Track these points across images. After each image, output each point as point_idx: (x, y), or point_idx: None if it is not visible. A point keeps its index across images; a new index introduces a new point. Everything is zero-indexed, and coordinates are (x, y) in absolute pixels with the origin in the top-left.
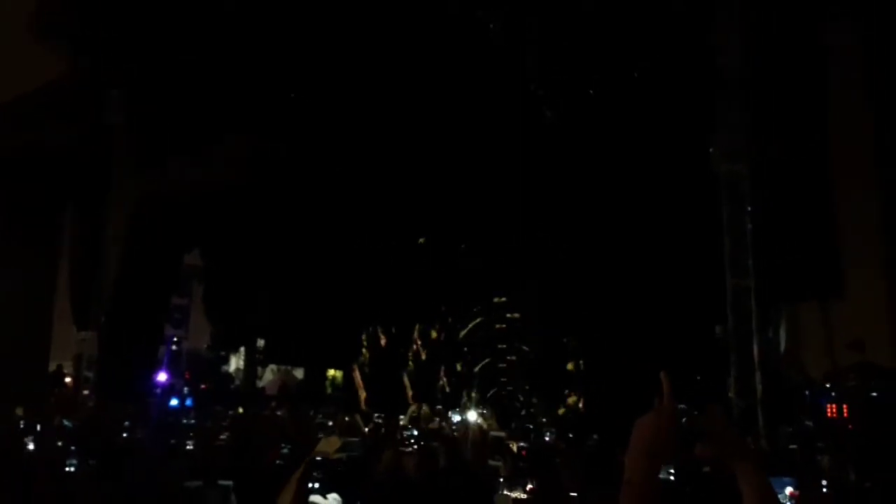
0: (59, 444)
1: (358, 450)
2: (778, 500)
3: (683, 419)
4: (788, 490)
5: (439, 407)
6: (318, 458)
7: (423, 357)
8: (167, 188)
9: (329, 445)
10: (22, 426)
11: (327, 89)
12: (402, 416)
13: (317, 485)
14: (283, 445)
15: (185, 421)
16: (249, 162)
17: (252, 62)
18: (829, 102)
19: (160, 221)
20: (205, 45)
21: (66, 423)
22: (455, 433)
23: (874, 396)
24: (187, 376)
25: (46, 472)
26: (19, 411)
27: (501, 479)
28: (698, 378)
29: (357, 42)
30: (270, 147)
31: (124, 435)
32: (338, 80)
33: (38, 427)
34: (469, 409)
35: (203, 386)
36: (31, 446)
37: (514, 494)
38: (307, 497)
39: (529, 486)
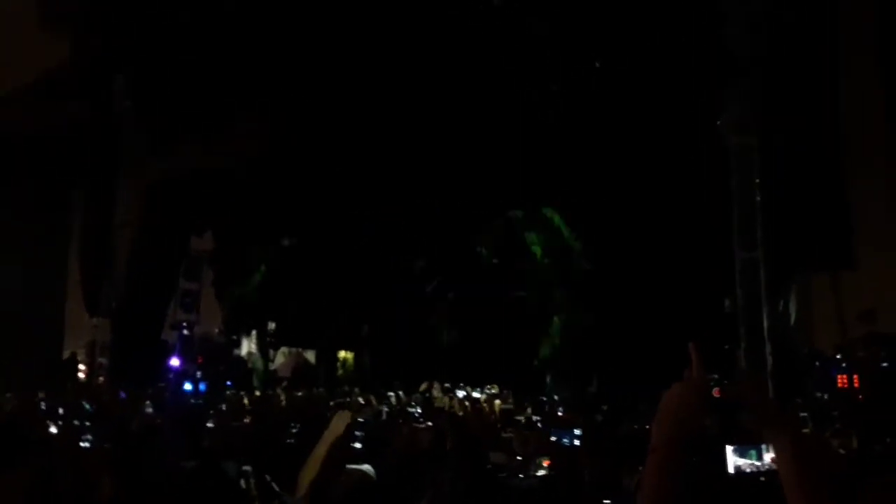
0: (76, 423)
1: (370, 425)
2: (820, 470)
3: (716, 389)
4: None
5: (447, 385)
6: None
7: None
8: (175, 172)
9: (342, 421)
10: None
11: (335, 68)
12: (415, 395)
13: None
14: (292, 425)
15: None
16: (257, 144)
17: (257, 42)
18: (840, 71)
19: (168, 206)
20: (210, 27)
21: (85, 405)
22: (461, 410)
23: (884, 367)
24: (200, 360)
25: (66, 450)
26: (41, 395)
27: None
28: (724, 348)
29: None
30: (278, 129)
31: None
32: (343, 55)
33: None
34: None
35: (217, 370)
36: (52, 429)
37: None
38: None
39: (546, 462)
